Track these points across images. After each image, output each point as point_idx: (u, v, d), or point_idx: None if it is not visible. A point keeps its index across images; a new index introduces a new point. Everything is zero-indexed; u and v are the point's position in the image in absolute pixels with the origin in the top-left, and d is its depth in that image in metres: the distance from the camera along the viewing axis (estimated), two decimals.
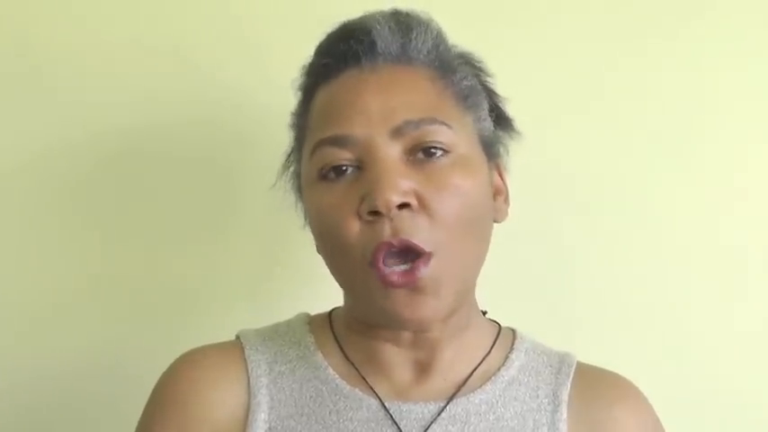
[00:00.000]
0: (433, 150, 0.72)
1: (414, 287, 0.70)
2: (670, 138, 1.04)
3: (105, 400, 1.00)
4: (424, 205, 0.70)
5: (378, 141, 0.71)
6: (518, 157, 0.83)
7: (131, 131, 1.02)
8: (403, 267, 0.70)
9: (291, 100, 0.81)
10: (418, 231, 0.70)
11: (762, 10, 1.05)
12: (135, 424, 0.78)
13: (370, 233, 0.70)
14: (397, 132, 0.71)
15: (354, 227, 0.71)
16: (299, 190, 0.81)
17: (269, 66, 1.00)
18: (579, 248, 1.04)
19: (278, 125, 0.84)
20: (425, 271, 0.70)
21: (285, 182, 0.84)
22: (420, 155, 0.72)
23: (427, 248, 0.70)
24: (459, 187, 0.72)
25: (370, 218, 0.70)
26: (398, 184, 0.69)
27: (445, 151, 0.72)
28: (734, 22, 1.05)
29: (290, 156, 0.83)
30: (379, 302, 0.71)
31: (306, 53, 0.79)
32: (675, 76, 1.04)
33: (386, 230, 0.69)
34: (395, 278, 0.69)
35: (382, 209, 0.69)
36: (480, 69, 0.81)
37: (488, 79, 0.82)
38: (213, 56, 1.02)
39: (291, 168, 0.83)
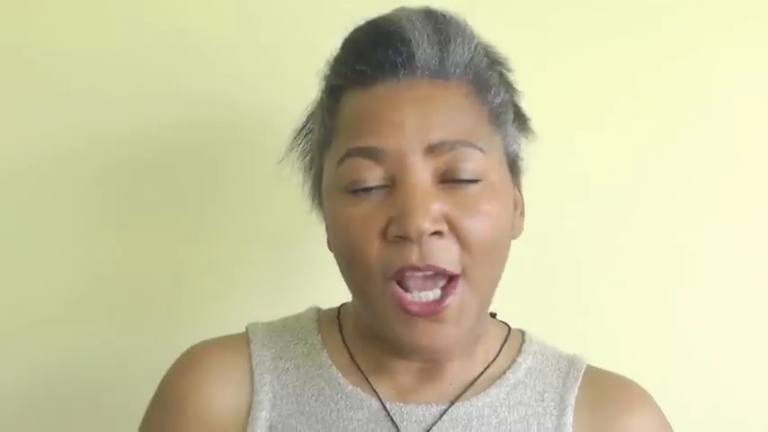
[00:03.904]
0: (462, 179, 0.70)
1: (437, 316, 0.69)
2: (675, 140, 1.03)
3: (109, 398, 1.01)
4: (453, 229, 0.69)
5: (410, 159, 0.70)
6: (528, 160, 0.82)
7: (135, 132, 1.02)
8: (425, 297, 0.69)
9: (297, 99, 0.81)
10: (446, 255, 0.69)
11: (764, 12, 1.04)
12: (138, 422, 0.79)
13: (395, 254, 0.69)
14: (431, 150, 0.70)
15: (377, 246, 0.69)
16: (308, 170, 0.81)
17: (276, 65, 1.00)
18: (586, 251, 1.04)
19: (285, 124, 0.83)
20: (453, 298, 0.69)
21: (292, 160, 0.83)
22: (450, 182, 0.71)
23: (455, 271, 0.69)
24: (488, 213, 0.71)
25: (397, 240, 0.69)
26: (431, 210, 0.68)
27: (475, 180, 0.71)
28: (735, 23, 1.04)
29: (298, 135, 0.82)
30: (397, 329, 0.70)
31: (310, 52, 0.78)
32: (682, 78, 1.04)
33: (413, 254, 0.68)
34: (415, 308, 0.69)
35: (413, 236, 0.68)
36: (503, 66, 0.78)
37: (510, 75, 0.79)
38: (218, 56, 1.01)
39: (300, 147, 0.82)
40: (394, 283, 0.69)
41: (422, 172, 0.70)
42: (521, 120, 0.80)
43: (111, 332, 1.02)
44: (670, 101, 1.04)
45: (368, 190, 0.71)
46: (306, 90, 0.79)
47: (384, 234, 0.69)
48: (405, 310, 0.69)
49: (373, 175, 0.70)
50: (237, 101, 1.01)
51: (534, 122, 0.81)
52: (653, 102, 1.04)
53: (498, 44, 0.78)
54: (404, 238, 0.68)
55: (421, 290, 0.69)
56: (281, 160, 0.83)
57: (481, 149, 0.71)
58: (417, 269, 0.68)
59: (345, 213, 0.71)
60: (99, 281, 1.02)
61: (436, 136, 0.70)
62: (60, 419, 1.01)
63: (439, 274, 0.69)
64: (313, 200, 0.82)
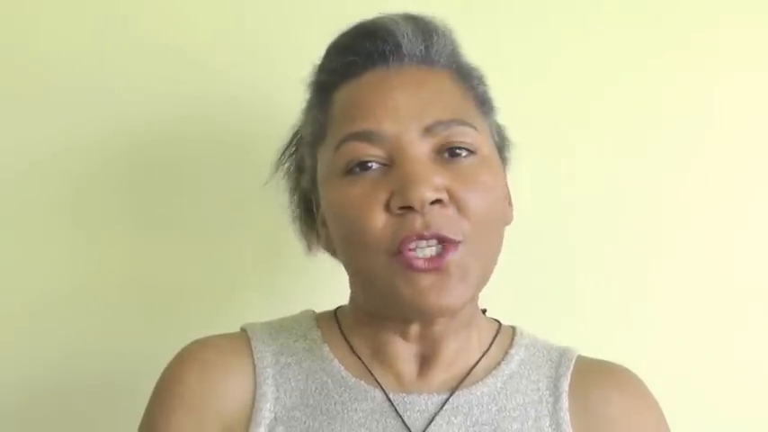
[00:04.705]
0: (459, 151, 0.73)
1: (441, 271, 0.70)
2: (673, 139, 1.06)
3: (108, 395, 1.00)
4: (454, 199, 0.72)
5: (407, 139, 0.72)
6: (522, 157, 0.85)
7: (132, 131, 1.02)
8: (429, 253, 0.70)
9: (295, 98, 0.82)
10: (449, 224, 0.71)
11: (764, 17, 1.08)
12: (138, 420, 0.78)
13: (399, 225, 0.70)
14: (427, 132, 0.73)
15: (380, 219, 0.71)
16: (295, 188, 0.83)
17: (274, 65, 1.01)
18: (581, 250, 1.06)
19: (282, 124, 0.85)
20: (454, 255, 0.71)
21: (279, 179, 0.85)
22: (446, 155, 0.73)
23: (457, 238, 0.71)
24: (486, 184, 0.73)
25: (401, 212, 0.71)
26: (432, 180, 0.70)
27: (471, 152, 0.74)
28: (735, 25, 1.07)
29: (284, 152, 0.84)
30: (402, 290, 0.71)
31: (308, 52, 0.80)
32: (678, 77, 1.06)
33: (417, 223, 0.70)
34: (420, 263, 0.70)
35: (416, 204, 0.69)
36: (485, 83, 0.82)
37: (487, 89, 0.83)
38: (218, 56, 1.02)
39: (286, 165, 0.84)
40: (399, 252, 0.70)
41: (420, 148, 0.72)
42: (499, 131, 0.83)
43: (110, 330, 1.01)
44: (664, 97, 1.06)
45: (365, 168, 0.72)
46: (302, 89, 0.81)
47: (387, 207, 0.71)
48: (411, 266, 0.70)
49: (371, 153, 0.73)
50: (236, 104, 1.02)
51: (526, 120, 0.84)
52: (648, 100, 1.06)
53: (489, 42, 0.82)
54: (407, 209, 0.70)
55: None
56: (267, 182, 0.85)
57: (474, 127, 0.75)
58: (423, 237, 0.70)
59: (344, 193, 0.73)
60: (97, 279, 1.02)
61: (431, 117, 0.73)
62: (61, 415, 1.00)
63: (442, 243, 0.70)
64: (300, 213, 0.84)
